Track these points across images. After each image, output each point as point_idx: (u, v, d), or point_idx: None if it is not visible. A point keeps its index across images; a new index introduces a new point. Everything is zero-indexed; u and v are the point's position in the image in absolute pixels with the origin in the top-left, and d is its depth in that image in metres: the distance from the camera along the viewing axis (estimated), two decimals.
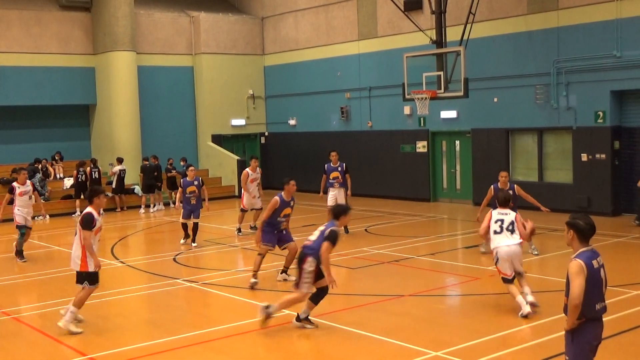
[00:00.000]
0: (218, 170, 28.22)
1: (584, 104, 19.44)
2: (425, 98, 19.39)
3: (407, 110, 23.88)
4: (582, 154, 19.62)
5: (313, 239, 9.66)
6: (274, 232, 12.28)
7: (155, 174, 24.50)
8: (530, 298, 10.00)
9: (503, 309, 10.52)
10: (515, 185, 14.15)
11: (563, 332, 6.14)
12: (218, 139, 28.88)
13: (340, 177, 17.31)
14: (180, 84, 28.54)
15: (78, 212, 23.45)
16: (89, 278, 9.84)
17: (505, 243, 10.15)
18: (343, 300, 11.51)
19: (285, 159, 28.99)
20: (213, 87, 28.70)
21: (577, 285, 5.81)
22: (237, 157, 27.86)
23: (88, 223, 9.69)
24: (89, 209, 9.83)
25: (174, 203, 25.06)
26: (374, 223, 18.40)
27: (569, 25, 19.63)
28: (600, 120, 19.18)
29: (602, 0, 18.90)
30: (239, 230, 18.14)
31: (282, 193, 12.31)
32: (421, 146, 23.84)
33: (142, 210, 23.81)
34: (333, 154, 17.61)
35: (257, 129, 30.06)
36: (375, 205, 22.78)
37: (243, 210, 18.17)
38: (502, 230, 10.26)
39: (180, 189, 17.06)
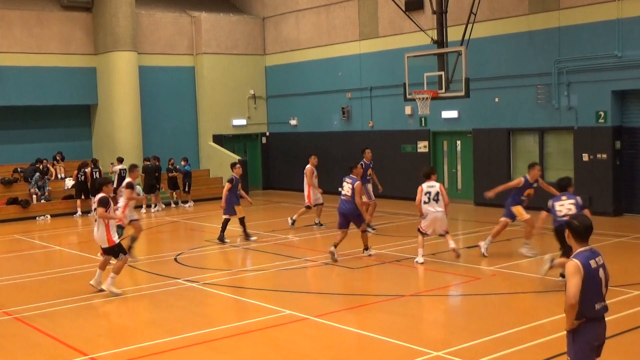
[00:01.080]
0: (219, 170, 28.21)
1: (585, 104, 19.43)
2: (427, 98, 19.39)
3: (408, 110, 23.88)
4: (583, 154, 19.61)
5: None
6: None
7: (157, 174, 24.53)
8: (452, 245, 13.60)
9: (504, 309, 10.53)
10: (539, 179, 14.69)
11: (564, 332, 6.15)
12: (219, 139, 28.89)
13: (373, 173, 18.47)
14: (181, 84, 28.55)
15: (79, 213, 23.49)
16: (121, 249, 11.87)
17: (432, 209, 13.50)
18: (344, 300, 11.52)
19: (286, 159, 29.00)
20: (214, 87, 28.71)
21: (573, 285, 5.82)
22: (238, 157, 27.85)
23: (104, 203, 11.57)
24: (102, 194, 11.75)
25: (176, 203, 25.26)
26: (376, 223, 18.40)
27: (570, 25, 19.62)
28: (601, 121, 19.17)
29: (603, 0, 18.89)
30: (319, 224, 18.78)
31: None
32: (422, 146, 23.84)
33: (143, 210, 23.82)
34: (368, 151, 18.52)
35: (258, 129, 30.06)
36: (384, 205, 22.79)
37: (308, 207, 18.74)
38: (429, 200, 13.49)
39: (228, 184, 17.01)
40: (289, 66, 28.77)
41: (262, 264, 14.40)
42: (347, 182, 14.24)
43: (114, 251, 11.84)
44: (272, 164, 29.89)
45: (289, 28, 28.71)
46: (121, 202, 14.41)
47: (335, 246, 14.16)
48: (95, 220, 11.81)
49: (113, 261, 12.12)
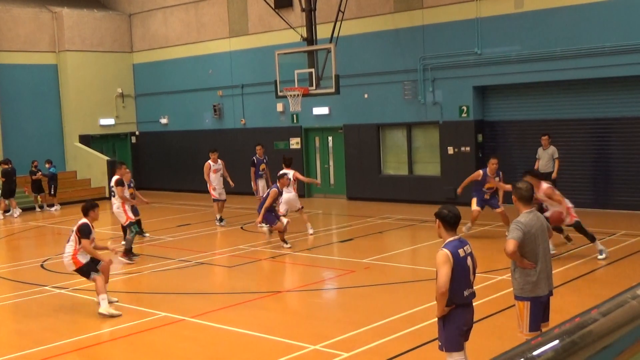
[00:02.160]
0: (87, 171, 27.25)
1: (449, 99, 20.23)
2: (298, 95, 19.55)
3: (280, 107, 23.97)
4: (448, 147, 20.41)
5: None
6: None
7: (14, 177, 23.29)
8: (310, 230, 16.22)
9: (378, 300, 10.79)
10: (501, 172, 15.29)
11: (436, 319, 6.38)
12: (86, 140, 27.87)
13: (266, 169, 19.11)
14: (43, 82, 27.30)
15: (19, 211, 22.20)
16: (91, 268, 10.71)
17: (286, 192, 15.70)
18: (221, 299, 11.43)
19: (157, 159, 28.41)
20: (79, 86, 27.66)
21: (443, 274, 6.07)
22: (106, 158, 27.01)
23: (86, 232, 10.61)
24: (85, 220, 10.76)
25: (41, 207, 24.16)
26: (250, 221, 18.37)
27: (433, 24, 20.34)
28: (464, 115, 20.02)
29: (463, 0, 19.75)
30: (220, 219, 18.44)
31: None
32: (295, 143, 24.01)
33: (0, 217, 22.58)
34: (258, 147, 19.18)
35: (127, 128, 29.25)
36: (250, 202, 22.74)
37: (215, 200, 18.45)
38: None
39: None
40: (157, 64, 28.17)
41: (135, 266, 14.03)
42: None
43: (84, 272, 10.78)
44: (143, 163, 29.16)
45: (156, 25, 28.11)
46: (117, 203, 14.52)
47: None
48: (68, 242, 10.78)
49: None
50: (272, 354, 8.49)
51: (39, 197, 24.32)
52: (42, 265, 14.48)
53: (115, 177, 14.91)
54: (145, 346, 9.15)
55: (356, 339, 8.74)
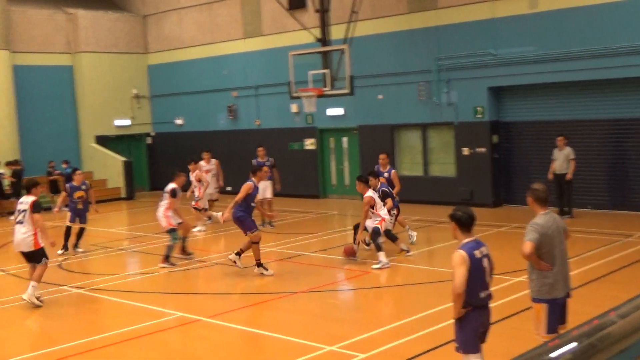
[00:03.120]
0: (103, 172, 27.40)
1: (464, 100, 20.17)
2: (312, 96, 19.55)
3: (294, 108, 24.01)
4: (463, 148, 20.36)
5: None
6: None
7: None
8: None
9: (394, 301, 10.79)
10: (392, 170, 15.15)
11: (452, 321, 6.37)
12: (102, 140, 28.04)
13: (268, 171, 17.92)
14: (59, 83, 27.49)
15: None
16: (45, 254, 11.35)
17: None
18: (236, 299, 11.47)
19: (172, 159, 28.44)
20: (95, 87, 27.82)
21: (459, 275, 6.05)
22: (122, 158, 27.16)
23: (38, 207, 11.22)
24: (33, 197, 11.28)
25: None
26: (266, 221, 18.39)
27: (448, 24, 20.30)
28: (479, 116, 19.96)
29: (478, 0, 19.66)
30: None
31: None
32: (309, 143, 24.03)
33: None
34: (260, 149, 18.52)
35: (142, 129, 29.39)
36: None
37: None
38: None
39: (64, 193, 16.25)
40: (172, 65, 28.29)
41: (151, 267, 14.10)
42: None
43: (38, 256, 11.28)
44: (158, 164, 29.28)
45: (171, 26, 28.22)
46: (162, 208, 14.17)
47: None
48: (19, 223, 11.21)
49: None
50: (288, 354, 8.51)
51: (55, 197, 24.45)
52: (59, 265, 14.58)
53: (171, 186, 14.22)
54: (162, 346, 9.20)
55: (372, 340, 8.74)
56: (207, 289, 12.21)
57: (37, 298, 11.29)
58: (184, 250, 14.64)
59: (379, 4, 21.67)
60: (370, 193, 13.18)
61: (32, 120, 26.54)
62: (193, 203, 18.14)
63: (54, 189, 24.29)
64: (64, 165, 24.40)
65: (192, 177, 18.25)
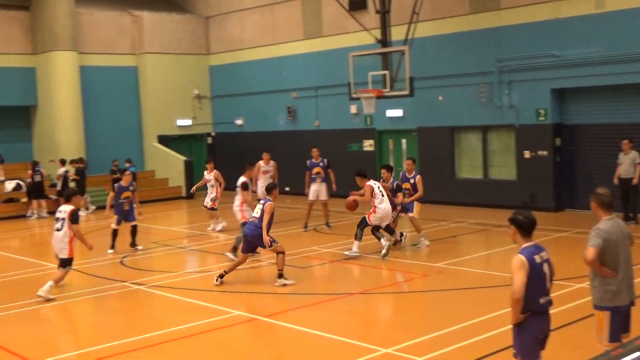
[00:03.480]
0: (164, 171, 27.90)
1: (526, 102, 19.83)
2: (371, 97, 19.52)
3: (353, 109, 24.00)
4: (525, 151, 20.01)
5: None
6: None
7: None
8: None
9: (451, 305, 10.67)
10: (418, 176, 15.57)
11: (510, 326, 6.26)
12: (164, 140, 28.55)
13: (322, 172, 18.13)
14: (124, 84, 28.11)
15: (35, 215, 23.01)
16: (70, 264, 12.05)
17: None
18: (293, 299, 11.51)
19: (232, 159, 28.77)
20: (158, 87, 28.36)
21: (518, 280, 5.94)
22: (183, 158, 27.60)
23: (77, 217, 11.87)
24: (72, 206, 11.89)
25: None
26: (323, 222, 18.44)
27: (510, 25, 19.99)
28: (541, 118, 19.59)
29: (541, 0, 19.31)
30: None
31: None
32: (368, 145, 23.99)
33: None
34: (314, 150, 18.43)
35: (203, 129, 29.82)
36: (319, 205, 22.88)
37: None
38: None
39: (112, 193, 16.30)
40: (233, 66, 28.61)
41: (209, 265, 14.28)
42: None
43: (66, 262, 11.96)
44: (218, 164, 29.55)
45: (232, 27, 28.55)
46: (237, 202, 14.73)
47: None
48: (58, 230, 11.86)
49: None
50: (344, 356, 8.50)
51: None
52: (121, 262, 14.89)
53: (242, 179, 14.96)
54: (218, 344, 9.30)
55: (429, 344, 8.66)
56: (264, 289, 12.30)
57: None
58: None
59: (440, 5, 21.49)
60: (370, 182, 14.12)
61: (97, 120, 27.21)
62: (209, 203, 18.36)
63: None
64: (127, 164, 24.93)
65: (210, 176, 18.69)
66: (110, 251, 15.87)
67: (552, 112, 19.46)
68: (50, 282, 11.82)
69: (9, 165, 25.44)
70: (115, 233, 16.04)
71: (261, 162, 18.51)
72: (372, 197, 13.97)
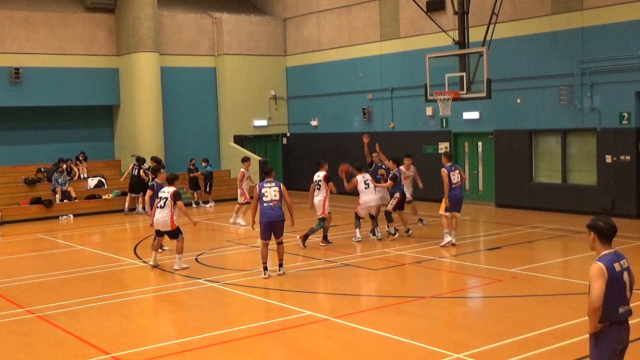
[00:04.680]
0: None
1: (609, 105, 19.25)
2: (448, 99, 19.31)
3: (429, 111, 23.80)
4: (606, 156, 19.42)
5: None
6: None
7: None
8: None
9: (525, 312, 10.46)
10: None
11: (587, 336, 6.09)
12: (240, 140, 28.98)
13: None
14: (202, 84, 28.67)
15: (138, 209, 23.78)
16: (180, 231, 14.12)
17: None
18: (364, 301, 11.51)
19: (307, 160, 29.00)
20: (235, 88, 28.80)
21: (596, 288, 5.76)
22: (258, 158, 27.93)
23: (179, 196, 14.03)
24: (173, 188, 14.00)
25: (197, 204, 25.37)
26: (396, 224, 18.34)
27: (593, 26, 19.45)
28: (625, 122, 18.98)
29: (626, 0, 18.71)
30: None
31: None
32: (443, 147, 23.73)
33: (139, 210, 24.00)
34: (374, 154, 18.99)
35: (279, 129, 30.12)
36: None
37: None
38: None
39: (150, 191, 15.61)
40: (310, 67, 28.80)
41: (283, 264, 14.39)
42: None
43: (175, 233, 14.01)
44: (292, 164, 29.91)
45: (310, 29, 28.74)
46: (320, 196, 15.86)
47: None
48: (160, 207, 13.86)
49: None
50: (414, 359, 8.45)
51: (195, 194, 25.55)
52: (196, 259, 15.19)
53: (323, 173, 16.02)
54: (290, 343, 9.37)
55: (501, 350, 8.52)
56: (335, 289, 12.33)
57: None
58: (325, 238, 16.14)
59: (520, 5, 21.09)
60: (359, 176, 16.19)
61: (175, 120, 27.84)
62: (242, 199, 19.61)
63: (194, 185, 25.35)
64: (204, 164, 25.42)
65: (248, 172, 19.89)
66: (163, 249, 15.98)
67: (637, 116, 18.82)
68: (178, 256, 14.00)
69: (92, 163, 26.31)
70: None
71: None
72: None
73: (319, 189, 15.91)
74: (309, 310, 10.66)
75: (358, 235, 16.57)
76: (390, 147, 24.82)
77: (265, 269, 13.16)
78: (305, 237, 15.85)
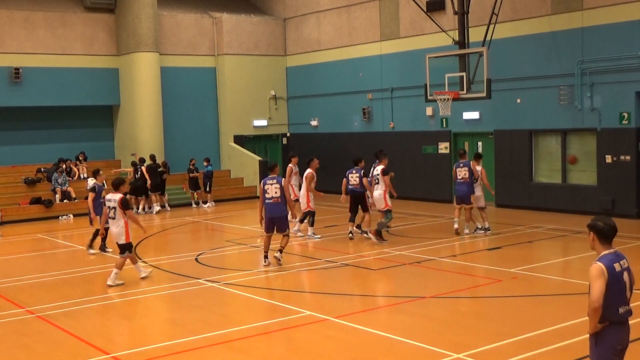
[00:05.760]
0: (240, 171, 28.31)
1: (609, 105, 19.25)
2: (448, 99, 19.31)
3: (429, 111, 23.80)
4: (606, 156, 19.42)
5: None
6: None
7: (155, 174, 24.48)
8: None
9: (525, 312, 10.46)
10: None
11: (587, 336, 6.09)
12: (240, 140, 28.98)
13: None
14: (202, 84, 28.68)
15: (158, 208, 23.83)
16: (129, 248, 12.88)
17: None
18: (364, 301, 11.51)
19: (307, 160, 28.97)
20: (235, 88, 28.81)
21: (596, 288, 5.76)
22: (258, 158, 27.94)
23: (126, 203, 12.82)
24: (120, 195, 12.72)
25: (197, 203, 25.38)
26: (396, 224, 18.36)
27: (593, 26, 19.45)
28: (625, 122, 18.98)
29: (627, 0, 18.71)
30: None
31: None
32: (443, 147, 23.74)
33: (157, 208, 24.07)
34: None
35: (279, 129, 30.12)
36: (396, 206, 22.70)
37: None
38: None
39: (93, 194, 15.85)
40: (310, 67, 28.80)
41: (283, 265, 14.41)
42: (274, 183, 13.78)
43: (124, 249, 12.83)
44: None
45: (310, 29, 28.74)
46: (380, 189, 15.98)
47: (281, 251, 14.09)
48: (112, 218, 12.78)
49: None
50: (414, 359, 8.45)
51: (195, 194, 25.55)
52: (196, 259, 15.19)
53: (381, 167, 16.11)
54: (290, 343, 9.37)
55: (501, 351, 8.52)
56: (336, 289, 12.34)
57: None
58: (379, 233, 16.06)
59: (520, 5, 21.09)
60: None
61: (175, 120, 27.85)
62: (305, 206, 18.46)
63: (195, 186, 25.35)
64: (205, 164, 25.41)
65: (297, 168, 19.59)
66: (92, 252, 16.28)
67: (637, 116, 18.82)
68: (115, 271, 12.73)
69: (92, 163, 26.30)
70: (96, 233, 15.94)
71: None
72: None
73: (377, 183, 16.08)
74: (309, 310, 10.66)
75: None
76: (390, 147, 24.86)
77: (266, 257, 13.88)
78: (377, 233, 15.96)
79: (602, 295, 5.75)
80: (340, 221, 19.15)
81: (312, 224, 17.34)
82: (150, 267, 13.97)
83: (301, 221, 17.57)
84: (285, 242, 13.97)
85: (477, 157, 17.63)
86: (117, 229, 12.77)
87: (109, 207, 12.89)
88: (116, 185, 12.98)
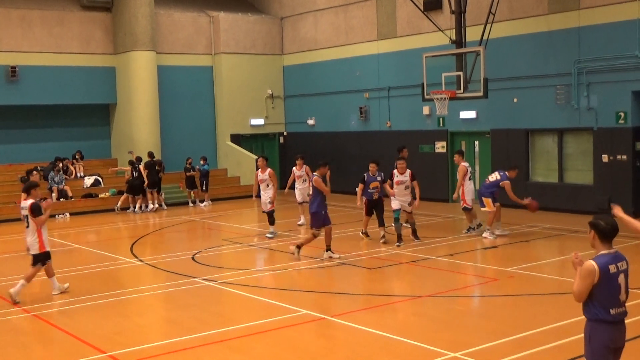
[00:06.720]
0: (237, 169, 28.30)
1: (605, 104, 19.27)
2: (445, 98, 19.32)
3: (426, 110, 23.81)
4: (603, 155, 19.45)
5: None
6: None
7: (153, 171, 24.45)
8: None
9: (521, 311, 10.47)
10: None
11: (582, 335, 6.09)
12: (237, 139, 28.96)
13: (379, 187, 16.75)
14: (199, 83, 28.66)
15: (153, 206, 23.81)
16: (41, 259, 11.66)
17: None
18: (360, 300, 11.51)
19: (305, 159, 28.95)
20: (232, 87, 28.79)
21: (580, 287, 5.73)
22: (255, 157, 27.89)
23: (38, 209, 11.42)
24: (31, 200, 11.45)
25: (193, 203, 25.36)
26: (392, 224, 18.34)
27: (590, 25, 19.47)
28: (621, 121, 19.01)
29: (623, 0, 18.73)
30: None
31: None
32: (440, 146, 23.75)
33: (151, 206, 24.05)
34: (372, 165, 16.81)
35: (275, 128, 30.10)
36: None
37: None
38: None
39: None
40: (306, 66, 28.79)
41: (279, 264, 14.42)
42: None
43: (40, 258, 11.65)
44: (289, 163, 29.79)
45: (307, 28, 28.73)
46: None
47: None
48: (28, 228, 11.56)
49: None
50: (411, 358, 8.45)
51: (192, 192, 25.54)
52: (193, 258, 15.18)
53: (409, 171, 16.54)
54: (286, 342, 9.37)
55: (497, 349, 8.53)
56: (333, 289, 12.33)
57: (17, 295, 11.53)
58: (414, 233, 16.31)
59: (517, 5, 21.10)
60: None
61: (172, 119, 27.83)
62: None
63: (191, 184, 25.34)
64: (202, 162, 25.40)
65: (302, 172, 20.09)
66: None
67: (633, 115, 18.85)
68: (55, 283, 12.02)
69: (89, 162, 26.28)
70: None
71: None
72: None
73: (407, 189, 16.43)
74: (305, 309, 10.65)
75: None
76: (388, 146, 24.86)
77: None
78: (414, 232, 16.32)
79: (585, 294, 5.74)
80: (339, 220, 19.12)
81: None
82: (68, 282, 12.57)
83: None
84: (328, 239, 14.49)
85: (460, 153, 17.88)
86: (32, 240, 11.52)
87: (23, 215, 11.55)
88: (26, 190, 11.55)
